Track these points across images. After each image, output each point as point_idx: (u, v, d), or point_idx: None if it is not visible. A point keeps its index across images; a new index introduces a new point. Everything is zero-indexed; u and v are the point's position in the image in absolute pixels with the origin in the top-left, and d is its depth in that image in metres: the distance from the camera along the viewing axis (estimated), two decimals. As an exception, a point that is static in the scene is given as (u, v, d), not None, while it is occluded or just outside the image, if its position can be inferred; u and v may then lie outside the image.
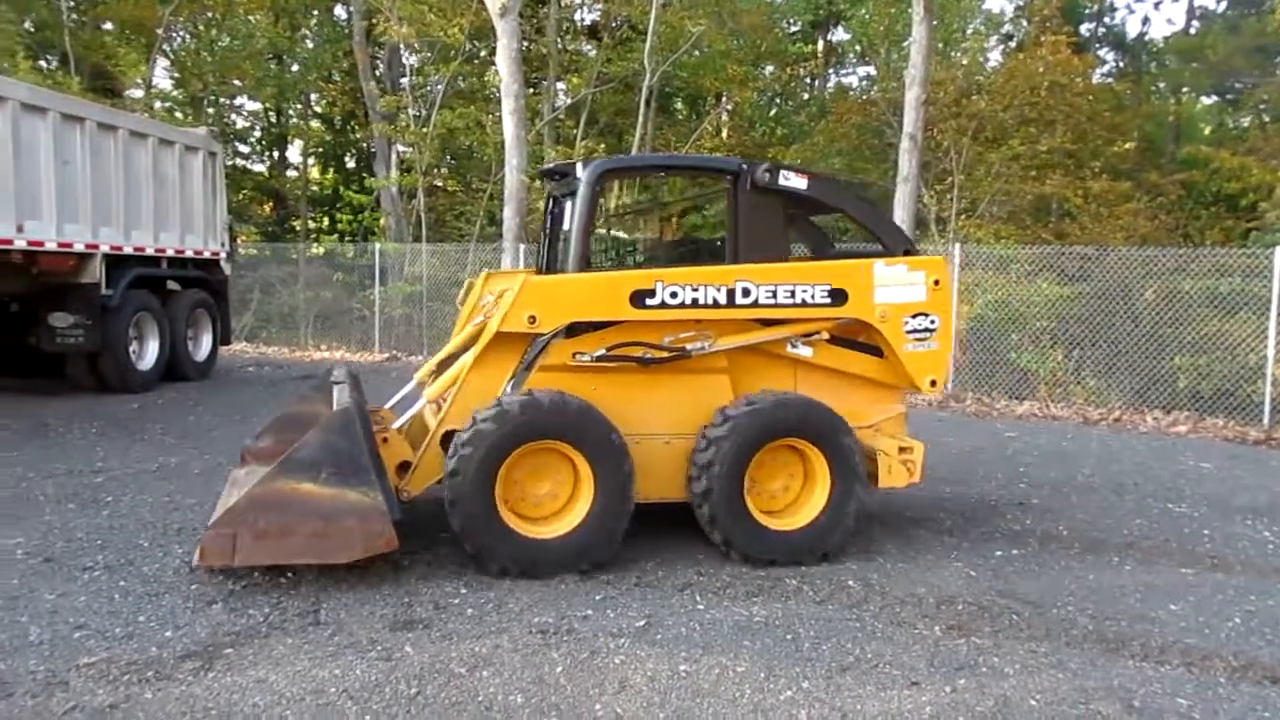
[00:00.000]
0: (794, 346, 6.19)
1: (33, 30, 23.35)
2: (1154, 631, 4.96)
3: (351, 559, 5.18)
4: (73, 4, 24.33)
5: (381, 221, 24.77)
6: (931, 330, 6.12)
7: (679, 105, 29.82)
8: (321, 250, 26.39)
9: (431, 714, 3.85)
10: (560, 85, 26.17)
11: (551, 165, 7.98)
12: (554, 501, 5.68)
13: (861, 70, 30.30)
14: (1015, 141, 19.59)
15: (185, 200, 13.78)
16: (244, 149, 30.19)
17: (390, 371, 15.64)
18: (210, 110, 25.64)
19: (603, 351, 5.82)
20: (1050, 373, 13.99)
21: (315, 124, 30.76)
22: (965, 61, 22.62)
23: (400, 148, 25.19)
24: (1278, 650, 4.78)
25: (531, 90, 24.19)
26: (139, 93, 24.32)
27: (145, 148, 12.87)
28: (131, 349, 12.70)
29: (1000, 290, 14.85)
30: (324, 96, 29.90)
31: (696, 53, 23.31)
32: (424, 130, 22.57)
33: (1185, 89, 28.96)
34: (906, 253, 6.33)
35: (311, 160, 31.38)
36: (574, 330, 5.89)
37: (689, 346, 5.89)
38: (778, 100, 30.22)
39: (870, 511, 6.54)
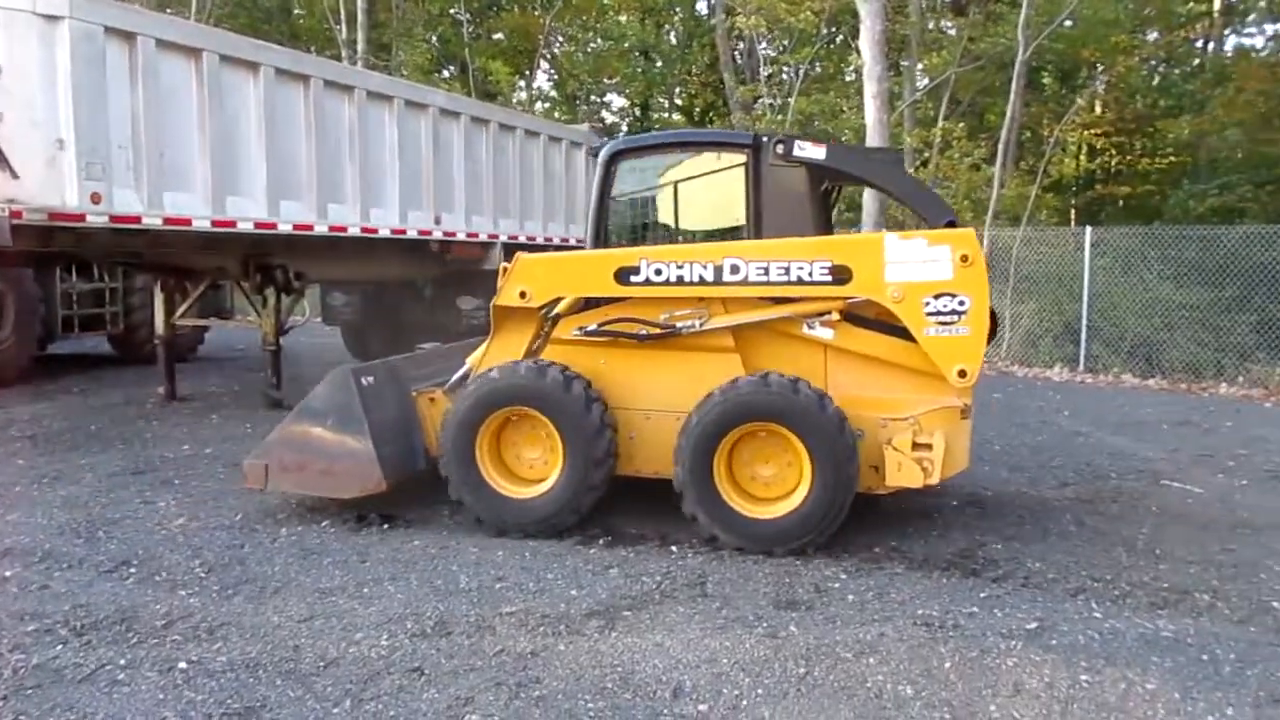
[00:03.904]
0: (810, 328, 5.82)
1: (438, 44, 26.29)
2: None
3: (350, 496, 6.01)
4: (469, 18, 27.09)
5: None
6: (960, 313, 5.43)
7: (1046, 80, 27.80)
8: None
9: (821, 695, 3.92)
10: (919, 66, 25.32)
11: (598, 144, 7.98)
12: (543, 467, 6.02)
13: (1269, 28, 26.66)
14: None
15: (569, 193, 14.87)
16: (612, 142, 32.18)
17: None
18: (583, 107, 27.53)
19: (594, 326, 5.99)
20: None
21: (677, 116, 32.05)
22: None
23: (757, 137, 25.56)
24: None
25: (891, 73, 23.61)
26: (522, 94, 26.62)
27: (537, 145, 14.04)
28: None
29: None
30: (685, 89, 31.07)
31: (1068, 23, 21.56)
32: (780, 119, 22.78)
33: None
34: (950, 224, 5.86)
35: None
36: (592, 305, 6.08)
37: (679, 324, 5.82)
38: (1161, 68, 27.33)
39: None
